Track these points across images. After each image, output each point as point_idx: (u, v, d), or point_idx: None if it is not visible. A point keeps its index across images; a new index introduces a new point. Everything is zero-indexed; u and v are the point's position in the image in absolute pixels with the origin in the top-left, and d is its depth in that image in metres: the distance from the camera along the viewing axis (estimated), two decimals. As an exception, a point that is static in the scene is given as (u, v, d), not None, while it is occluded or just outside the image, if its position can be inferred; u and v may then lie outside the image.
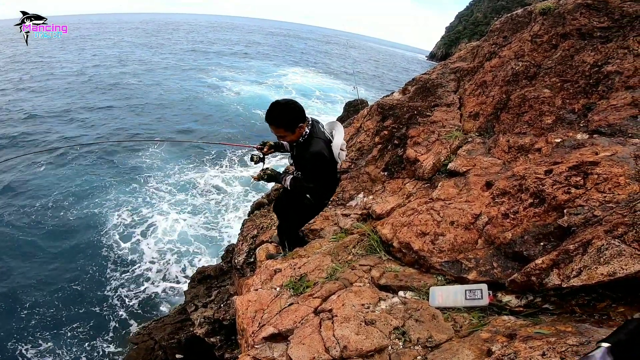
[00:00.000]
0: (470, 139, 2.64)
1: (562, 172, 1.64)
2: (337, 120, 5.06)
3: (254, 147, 2.60)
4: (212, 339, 4.85)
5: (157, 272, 9.08)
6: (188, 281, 6.81)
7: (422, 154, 2.86)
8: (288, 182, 2.26)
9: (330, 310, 1.90)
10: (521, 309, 1.32)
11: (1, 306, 7.68)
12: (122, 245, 9.83)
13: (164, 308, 8.09)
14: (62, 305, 7.90)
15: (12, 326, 7.30)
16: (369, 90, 30.15)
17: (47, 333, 7.24)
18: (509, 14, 3.15)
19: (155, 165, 14.25)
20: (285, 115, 2.03)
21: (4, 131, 15.68)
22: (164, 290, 8.59)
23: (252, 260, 3.94)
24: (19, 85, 23.73)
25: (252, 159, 2.50)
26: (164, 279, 8.90)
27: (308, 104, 24.08)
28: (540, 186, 1.68)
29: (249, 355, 1.96)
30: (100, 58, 35.22)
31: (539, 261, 1.26)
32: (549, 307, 1.23)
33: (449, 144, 2.75)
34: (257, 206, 5.16)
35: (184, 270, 9.25)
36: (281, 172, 2.40)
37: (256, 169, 2.42)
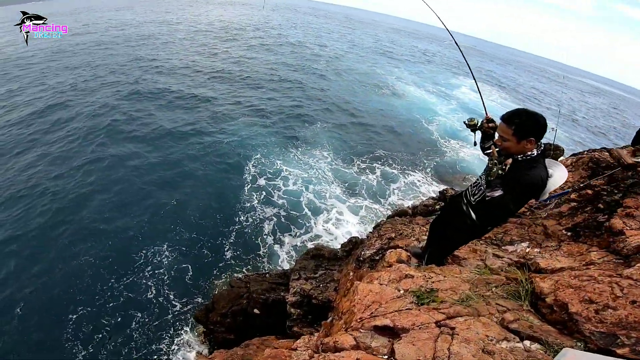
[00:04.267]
0: None
1: None
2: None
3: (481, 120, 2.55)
4: (292, 310, 5.48)
5: (276, 234, 10.72)
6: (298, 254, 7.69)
7: (631, 229, 2.47)
8: (496, 195, 2.18)
9: (452, 328, 2.06)
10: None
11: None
12: (261, 200, 11.95)
13: (271, 265, 9.52)
14: (192, 235, 10.02)
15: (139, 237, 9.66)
16: (571, 136, 24.97)
17: (173, 259, 9.26)
18: None
19: (316, 141, 16.69)
20: (525, 120, 1.99)
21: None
22: (277, 252, 10.04)
23: (377, 258, 4.34)
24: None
25: (469, 121, 2.50)
26: (281, 242, 10.43)
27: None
28: None
29: (351, 335, 2.34)
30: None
31: None
32: None
33: (680, 230, 2.28)
34: (400, 213, 5.51)
35: (301, 242, 10.62)
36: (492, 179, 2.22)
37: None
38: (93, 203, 10.74)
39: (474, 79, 2.94)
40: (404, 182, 14.62)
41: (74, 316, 7.54)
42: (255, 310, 6.64)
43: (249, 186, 12.51)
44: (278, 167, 13.85)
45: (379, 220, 11.37)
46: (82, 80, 20.68)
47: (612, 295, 1.80)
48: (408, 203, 12.91)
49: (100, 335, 7.28)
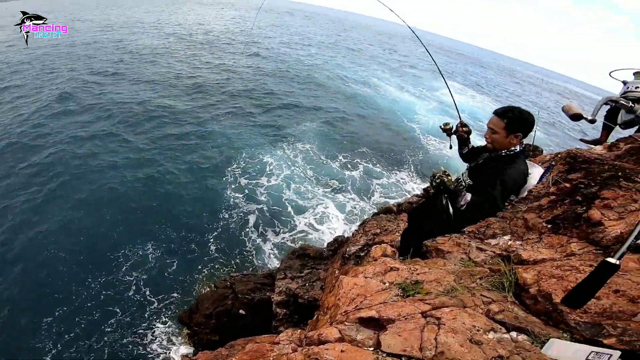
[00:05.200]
0: (690, 223, 2.19)
1: None
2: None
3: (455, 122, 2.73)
4: (278, 310, 5.44)
5: (261, 231, 10.67)
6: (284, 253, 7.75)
7: (609, 219, 2.52)
8: (466, 200, 2.19)
9: (438, 318, 2.03)
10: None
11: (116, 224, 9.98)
12: (243, 201, 11.78)
13: (256, 265, 9.44)
14: (178, 233, 9.87)
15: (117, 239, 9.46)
16: (549, 138, 25.94)
17: (157, 256, 9.11)
18: None
19: (302, 137, 16.69)
20: (517, 115, 2.14)
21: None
22: (262, 251, 10.00)
23: (362, 254, 4.31)
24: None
25: (445, 125, 2.69)
26: (265, 240, 10.40)
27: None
28: None
29: (336, 328, 2.28)
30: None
31: None
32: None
33: (655, 220, 2.34)
34: (385, 210, 5.53)
35: (286, 239, 10.61)
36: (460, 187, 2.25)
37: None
38: (68, 200, 10.44)
39: (443, 78, 3.06)
40: (388, 179, 14.75)
41: (49, 319, 7.23)
42: (241, 311, 6.59)
43: (233, 185, 12.40)
44: (262, 164, 13.85)
45: (364, 218, 11.42)
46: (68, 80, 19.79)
47: (595, 285, 1.82)
48: (393, 201, 13.03)
49: (78, 334, 7.09)
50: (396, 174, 15.31)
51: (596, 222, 2.51)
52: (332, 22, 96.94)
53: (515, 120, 2.12)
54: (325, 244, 8.16)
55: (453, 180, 2.19)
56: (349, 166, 15.10)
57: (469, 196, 2.18)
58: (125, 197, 10.99)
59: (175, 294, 8.34)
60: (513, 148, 2.19)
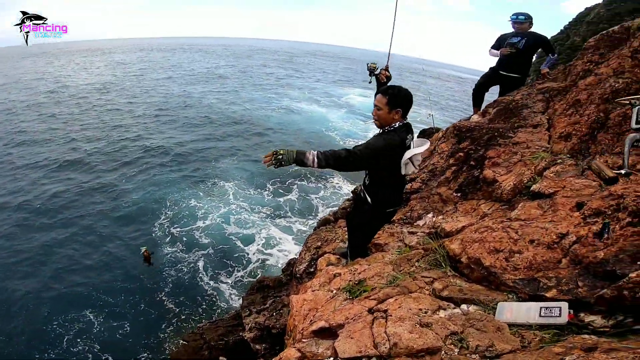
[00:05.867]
0: (560, 161, 2.52)
1: (670, 191, 1.53)
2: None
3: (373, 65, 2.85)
4: (257, 346, 5.16)
5: (213, 276, 9.94)
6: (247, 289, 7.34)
7: (501, 175, 2.80)
8: (314, 154, 2.11)
9: (385, 311, 1.96)
10: (607, 329, 1.23)
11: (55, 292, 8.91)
12: (188, 250, 10.90)
13: (221, 309, 8.83)
14: (119, 297, 8.87)
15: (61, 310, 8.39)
16: (444, 118, 29.32)
17: (102, 322, 8.12)
18: (604, 31, 3.05)
19: (225, 174, 15.96)
20: (397, 93, 2.26)
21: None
22: (223, 294, 9.35)
23: (312, 270, 4.16)
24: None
25: (372, 64, 2.80)
26: (221, 282, 9.72)
27: (369, 126, 24.25)
28: (642, 205, 1.58)
29: (294, 347, 2.12)
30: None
31: (633, 274, 1.20)
32: (642, 327, 1.14)
33: (534, 165, 2.65)
34: (323, 222, 5.49)
35: (242, 275, 10.04)
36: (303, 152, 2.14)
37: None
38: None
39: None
40: (325, 190, 14.91)
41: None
42: (221, 358, 6.22)
43: (167, 238, 11.27)
44: (191, 209, 12.90)
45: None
46: None
47: (511, 240, 1.88)
48: (334, 209, 13.23)
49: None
50: (330, 182, 15.60)
51: (491, 180, 2.78)
52: (228, 51, 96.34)
53: (395, 96, 2.24)
54: (281, 271, 7.95)
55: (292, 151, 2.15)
56: (282, 191, 14.78)
57: (315, 153, 2.14)
58: (43, 268, 9.64)
59: (143, 355, 7.53)
60: (394, 124, 2.29)
